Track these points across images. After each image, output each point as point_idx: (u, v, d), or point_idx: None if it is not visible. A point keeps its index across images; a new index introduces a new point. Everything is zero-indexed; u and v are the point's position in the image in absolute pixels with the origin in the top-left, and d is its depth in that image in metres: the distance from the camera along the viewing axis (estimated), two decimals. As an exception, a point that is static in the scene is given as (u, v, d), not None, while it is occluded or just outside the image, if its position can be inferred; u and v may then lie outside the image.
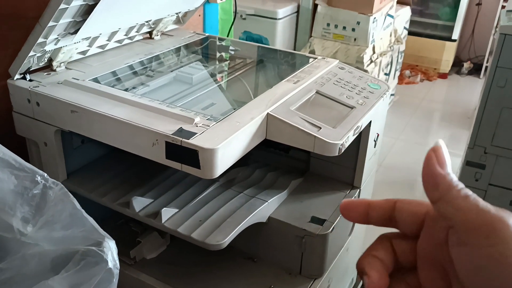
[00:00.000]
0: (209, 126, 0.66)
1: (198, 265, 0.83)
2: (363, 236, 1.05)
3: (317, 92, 0.82)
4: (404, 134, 2.61)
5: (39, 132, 0.78)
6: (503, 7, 2.75)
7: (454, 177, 0.29)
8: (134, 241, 0.84)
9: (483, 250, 0.27)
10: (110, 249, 0.47)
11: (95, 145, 0.87)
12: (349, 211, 0.33)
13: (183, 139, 0.63)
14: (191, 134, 0.64)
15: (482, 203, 0.28)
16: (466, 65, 3.49)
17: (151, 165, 0.82)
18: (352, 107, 0.80)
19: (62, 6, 0.69)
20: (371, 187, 0.99)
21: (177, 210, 0.75)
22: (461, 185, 0.29)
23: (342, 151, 0.71)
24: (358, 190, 0.89)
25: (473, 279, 0.28)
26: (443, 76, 3.45)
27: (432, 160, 0.29)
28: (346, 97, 0.82)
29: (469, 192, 0.29)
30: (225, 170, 0.65)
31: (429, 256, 0.31)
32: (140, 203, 0.76)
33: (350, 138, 0.73)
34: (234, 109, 0.73)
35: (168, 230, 0.73)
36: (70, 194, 0.53)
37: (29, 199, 0.53)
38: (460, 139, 2.36)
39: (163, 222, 0.72)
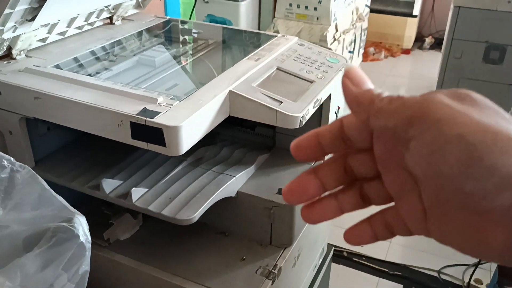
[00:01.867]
0: (172, 105, 0.68)
1: (172, 243, 0.86)
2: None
3: (277, 68, 0.85)
4: (371, 110, 2.68)
5: (3, 120, 0.78)
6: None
7: (375, 90, 0.28)
8: (107, 223, 0.85)
9: (421, 140, 0.25)
10: (81, 225, 0.49)
11: (62, 131, 0.87)
12: (301, 149, 0.31)
13: (148, 119, 0.65)
14: (155, 114, 0.65)
15: (406, 98, 0.27)
16: (428, 40, 3.58)
17: (120, 148, 0.83)
18: (311, 81, 0.83)
19: (17, -8, 0.69)
20: (335, 158, 1.03)
21: (147, 189, 0.77)
22: (384, 93, 0.28)
23: (303, 123, 0.74)
24: (322, 160, 0.92)
25: (426, 171, 0.26)
26: (406, 52, 3.53)
27: (347, 84, 0.29)
28: (306, 72, 0.85)
29: (393, 95, 0.27)
30: (191, 146, 0.67)
31: (387, 160, 0.29)
32: (110, 185, 0.77)
33: (310, 110, 0.76)
34: (197, 88, 0.75)
35: (139, 209, 0.75)
36: (38, 176, 0.54)
37: (-3, 183, 0.54)
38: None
39: (133, 201, 0.74)
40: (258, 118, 0.75)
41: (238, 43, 1.06)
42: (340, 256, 1.59)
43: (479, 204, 0.25)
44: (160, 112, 0.66)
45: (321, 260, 1.13)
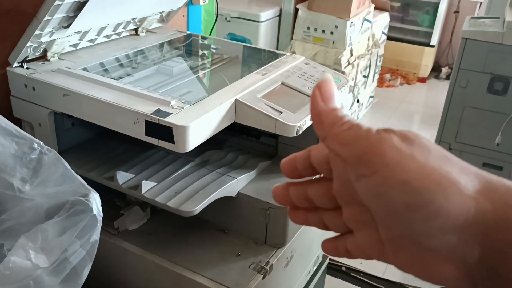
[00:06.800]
0: (183, 108, 0.77)
1: (175, 236, 0.93)
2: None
3: (282, 83, 0.93)
4: (382, 134, 2.73)
5: (34, 114, 0.88)
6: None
7: (340, 111, 0.28)
8: (118, 214, 0.94)
9: (370, 180, 0.26)
10: (95, 200, 0.57)
11: (84, 128, 0.97)
12: (284, 169, 0.35)
13: (160, 118, 0.73)
14: (167, 114, 0.74)
15: (363, 130, 0.27)
16: (445, 70, 3.64)
17: (135, 146, 0.92)
18: (312, 96, 0.91)
19: (57, 2, 0.79)
20: (333, 171, 1.10)
21: (156, 183, 0.85)
22: (346, 118, 0.28)
23: (300, 132, 0.82)
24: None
25: (377, 209, 0.27)
26: (422, 80, 3.59)
27: (316, 97, 0.29)
28: (308, 88, 0.93)
29: (353, 122, 0.28)
30: (196, 145, 0.76)
31: (344, 194, 0.30)
32: (123, 177, 0.86)
33: (307, 121, 0.84)
34: (207, 95, 0.84)
35: (147, 200, 0.83)
36: (62, 158, 0.63)
37: (27, 162, 0.63)
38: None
39: (143, 192, 0.82)
40: (259, 126, 0.83)
41: (249, 59, 1.15)
42: (338, 271, 1.64)
43: (428, 242, 0.27)
44: (171, 113, 0.75)
45: (315, 268, 1.19)
